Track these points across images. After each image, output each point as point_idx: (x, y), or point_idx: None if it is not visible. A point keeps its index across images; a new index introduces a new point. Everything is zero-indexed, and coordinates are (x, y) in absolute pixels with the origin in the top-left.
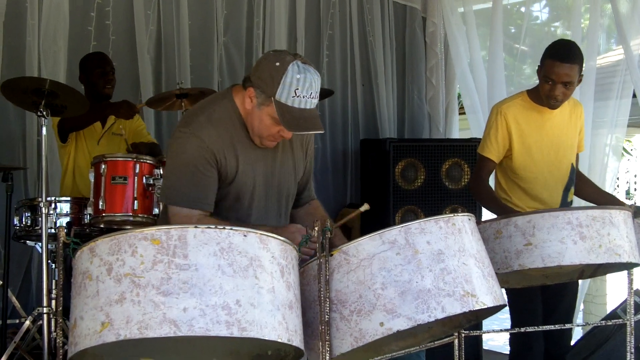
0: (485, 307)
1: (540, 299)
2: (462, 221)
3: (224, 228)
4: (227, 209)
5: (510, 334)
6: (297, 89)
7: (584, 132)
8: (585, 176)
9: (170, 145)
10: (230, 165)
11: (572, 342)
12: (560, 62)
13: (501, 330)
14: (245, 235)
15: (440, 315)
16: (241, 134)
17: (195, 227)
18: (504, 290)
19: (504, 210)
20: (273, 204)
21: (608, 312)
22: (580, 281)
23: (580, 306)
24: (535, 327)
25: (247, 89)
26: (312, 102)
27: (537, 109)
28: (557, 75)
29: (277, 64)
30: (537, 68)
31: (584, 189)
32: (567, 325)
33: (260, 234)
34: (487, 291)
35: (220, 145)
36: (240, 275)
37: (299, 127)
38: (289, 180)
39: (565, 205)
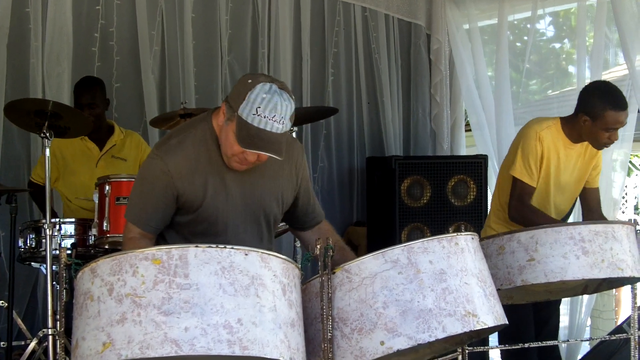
0: (486, 327)
1: (533, 313)
2: (465, 240)
3: (225, 247)
4: (199, 234)
5: (501, 350)
6: (259, 107)
7: (600, 168)
8: (601, 212)
9: (143, 162)
10: (196, 192)
11: (579, 357)
12: (623, 110)
13: (506, 347)
14: (246, 254)
15: (441, 335)
16: (216, 157)
17: (196, 246)
18: None
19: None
20: (252, 228)
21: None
22: (587, 296)
23: (587, 321)
24: (539, 343)
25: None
26: (273, 125)
27: (564, 141)
28: (620, 122)
29: (250, 81)
30: (582, 117)
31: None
32: (572, 341)
33: (262, 252)
34: (488, 311)
35: (186, 172)
36: (241, 294)
37: (252, 145)
38: (271, 204)
39: None
